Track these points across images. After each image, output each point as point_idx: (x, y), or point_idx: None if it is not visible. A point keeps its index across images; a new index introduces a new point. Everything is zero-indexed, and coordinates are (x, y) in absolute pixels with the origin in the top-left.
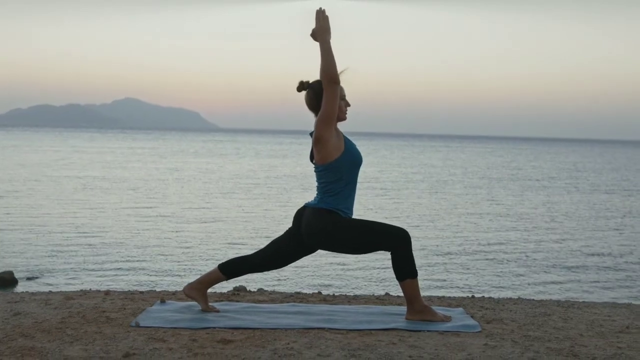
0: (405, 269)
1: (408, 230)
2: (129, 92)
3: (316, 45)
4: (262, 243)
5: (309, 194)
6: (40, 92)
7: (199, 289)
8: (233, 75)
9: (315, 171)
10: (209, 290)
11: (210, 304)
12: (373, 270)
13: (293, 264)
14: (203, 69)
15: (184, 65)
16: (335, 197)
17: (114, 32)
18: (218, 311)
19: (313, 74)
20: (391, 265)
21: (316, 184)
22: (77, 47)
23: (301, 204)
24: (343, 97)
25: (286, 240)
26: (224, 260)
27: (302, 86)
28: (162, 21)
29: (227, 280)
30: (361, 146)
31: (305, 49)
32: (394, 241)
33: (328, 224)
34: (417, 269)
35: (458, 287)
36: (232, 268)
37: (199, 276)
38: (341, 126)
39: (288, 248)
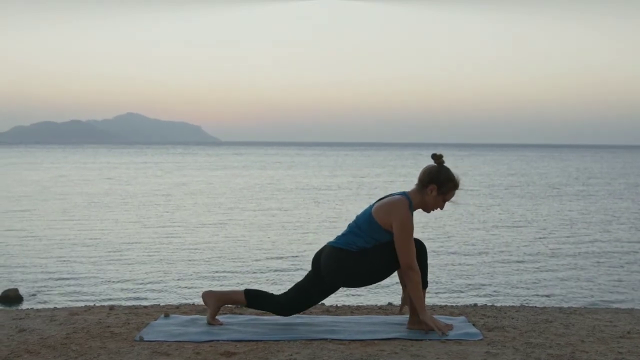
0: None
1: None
2: (130, 107)
3: (317, 52)
4: (271, 261)
5: (320, 207)
6: (42, 109)
7: (217, 300)
8: (233, 88)
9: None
10: None
11: (220, 316)
12: None
13: (291, 274)
14: (203, 82)
15: (185, 79)
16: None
17: (114, 47)
18: (221, 324)
19: (313, 86)
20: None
21: (350, 227)
22: (77, 64)
23: (313, 219)
24: (448, 199)
25: (307, 282)
26: (252, 288)
27: (438, 159)
28: (162, 35)
29: (245, 306)
30: (365, 156)
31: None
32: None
33: (345, 260)
34: (427, 281)
35: (461, 295)
36: (256, 299)
37: (216, 289)
38: (341, 132)
39: (311, 290)
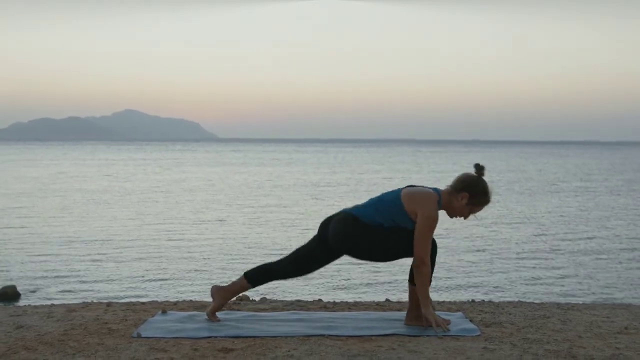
0: None
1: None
2: (128, 103)
3: (317, 49)
4: (270, 257)
5: (318, 204)
6: (41, 105)
7: (223, 295)
8: (231, 84)
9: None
10: (206, 298)
11: (217, 312)
12: (373, 277)
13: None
14: (202, 79)
15: (183, 76)
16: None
17: (111, 44)
18: (219, 320)
19: (310, 83)
20: (387, 268)
21: (371, 198)
22: (75, 60)
23: (312, 216)
24: (475, 212)
25: (311, 246)
26: (250, 269)
27: (480, 170)
28: (160, 32)
29: (252, 288)
30: (368, 153)
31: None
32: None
33: (358, 228)
34: (432, 277)
35: (458, 291)
36: (258, 276)
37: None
38: (339, 131)
39: (312, 253)
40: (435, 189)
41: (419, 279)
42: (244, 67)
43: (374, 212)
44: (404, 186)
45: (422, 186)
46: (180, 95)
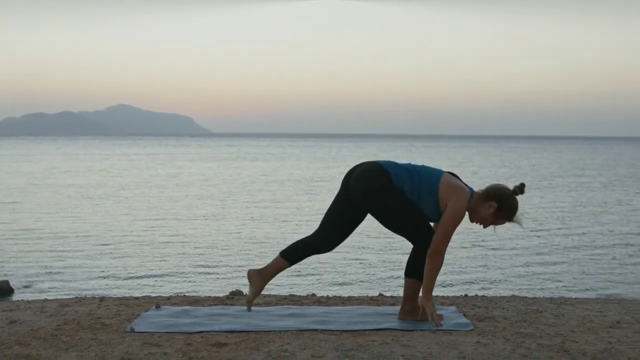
0: (418, 269)
1: None
2: (121, 98)
3: (307, 44)
4: (263, 252)
5: (314, 198)
6: (33, 100)
7: (262, 279)
8: (224, 79)
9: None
10: (207, 294)
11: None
12: (367, 272)
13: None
14: (195, 73)
15: (176, 70)
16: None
17: (104, 38)
18: (249, 310)
19: (302, 78)
20: (380, 262)
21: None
22: (68, 54)
23: (305, 211)
24: (497, 223)
25: (336, 205)
26: (285, 248)
27: (520, 188)
28: (152, 25)
29: (290, 266)
30: (362, 148)
31: (299, 53)
32: (426, 241)
33: (382, 181)
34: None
35: (452, 285)
36: (294, 253)
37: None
38: (338, 127)
39: (339, 214)
40: (470, 188)
41: (429, 266)
42: (240, 64)
43: (407, 178)
44: (446, 170)
45: (460, 179)
46: (173, 89)
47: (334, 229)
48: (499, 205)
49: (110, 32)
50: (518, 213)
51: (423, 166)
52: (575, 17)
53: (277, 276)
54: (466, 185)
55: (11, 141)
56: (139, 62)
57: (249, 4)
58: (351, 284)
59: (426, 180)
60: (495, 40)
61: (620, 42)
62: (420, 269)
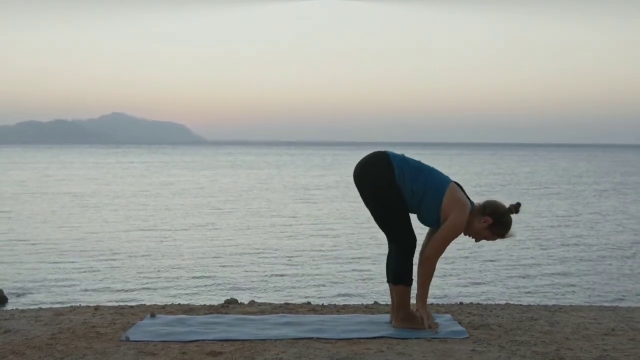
0: (402, 275)
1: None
2: (115, 106)
3: (308, 48)
4: (259, 261)
5: (310, 206)
6: (27, 108)
7: (408, 318)
8: (218, 87)
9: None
10: (202, 303)
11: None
12: (362, 280)
13: (279, 274)
14: (189, 81)
15: (170, 79)
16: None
17: (98, 46)
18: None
19: (299, 85)
20: (376, 270)
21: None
22: (61, 62)
23: (301, 219)
24: (488, 238)
25: (374, 211)
26: (389, 275)
27: (515, 207)
28: (146, 34)
29: (411, 286)
30: (356, 155)
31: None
32: (408, 240)
33: (382, 169)
34: (412, 278)
35: (447, 293)
36: (408, 274)
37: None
38: (335, 133)
39: (385, 209)
40: (472, 202)
41: (423, 273)
42: (236, 68)
43: (411, 176)
44: (453, 180)
45: (464, 191)
46: (167, 97)
47: (401, 225)
48: (494, 221)
49: (102, 38)
50: (510, 231)
51: (433, 169)
52: (575, 17)
53: (272, 284)
54: (468, 198)
55: (5, 149)
56: (133, 69)
57: (249, 4)
58: (346, 292)
59: (432, 185)
60: (495, 40)
61: (627, 45)
62: (408, 273)
